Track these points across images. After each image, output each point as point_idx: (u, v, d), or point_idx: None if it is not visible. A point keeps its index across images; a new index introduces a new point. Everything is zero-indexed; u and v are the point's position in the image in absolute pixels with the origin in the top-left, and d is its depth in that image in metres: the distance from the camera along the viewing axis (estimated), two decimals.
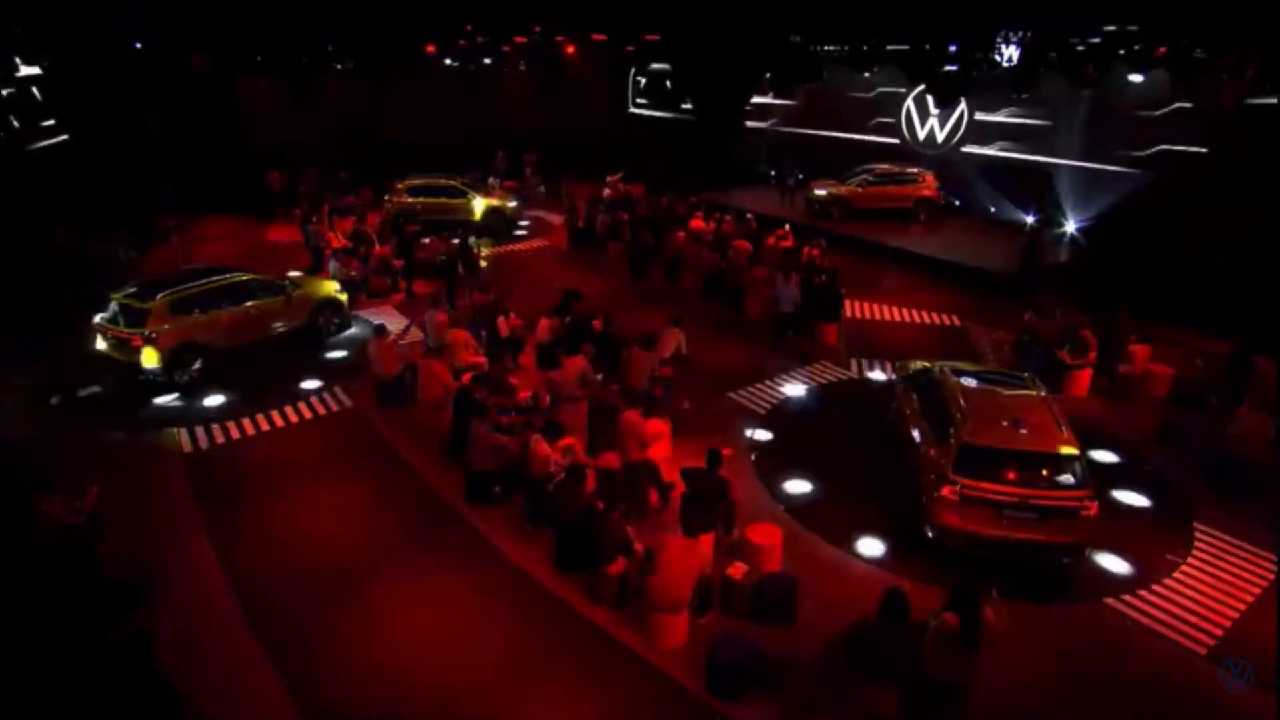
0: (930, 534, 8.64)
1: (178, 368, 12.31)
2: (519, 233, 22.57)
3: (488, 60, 23.87)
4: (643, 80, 32.83)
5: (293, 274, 15.11)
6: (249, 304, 13.19)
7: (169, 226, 21.47)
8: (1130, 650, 7.63)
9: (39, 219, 16.61)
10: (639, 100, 33.40)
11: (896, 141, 25.45)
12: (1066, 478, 8.25)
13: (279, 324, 13.57)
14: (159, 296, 12.39)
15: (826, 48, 18.38)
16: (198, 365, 12.52)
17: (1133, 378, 12.57)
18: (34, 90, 18.57)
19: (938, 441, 9.00)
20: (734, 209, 21.57)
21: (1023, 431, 8.57)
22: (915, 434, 9.75)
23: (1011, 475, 8.27)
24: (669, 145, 29.86)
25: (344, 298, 14.90)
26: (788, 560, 8.39)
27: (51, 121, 19.46)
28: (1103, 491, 9.14)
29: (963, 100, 23.43)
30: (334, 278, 15.87)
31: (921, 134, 25.09)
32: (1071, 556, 8.36)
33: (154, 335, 12.07)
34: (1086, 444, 10.58)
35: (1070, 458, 8.33)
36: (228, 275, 13.29)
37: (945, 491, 8.35)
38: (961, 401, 9.18)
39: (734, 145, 29.37)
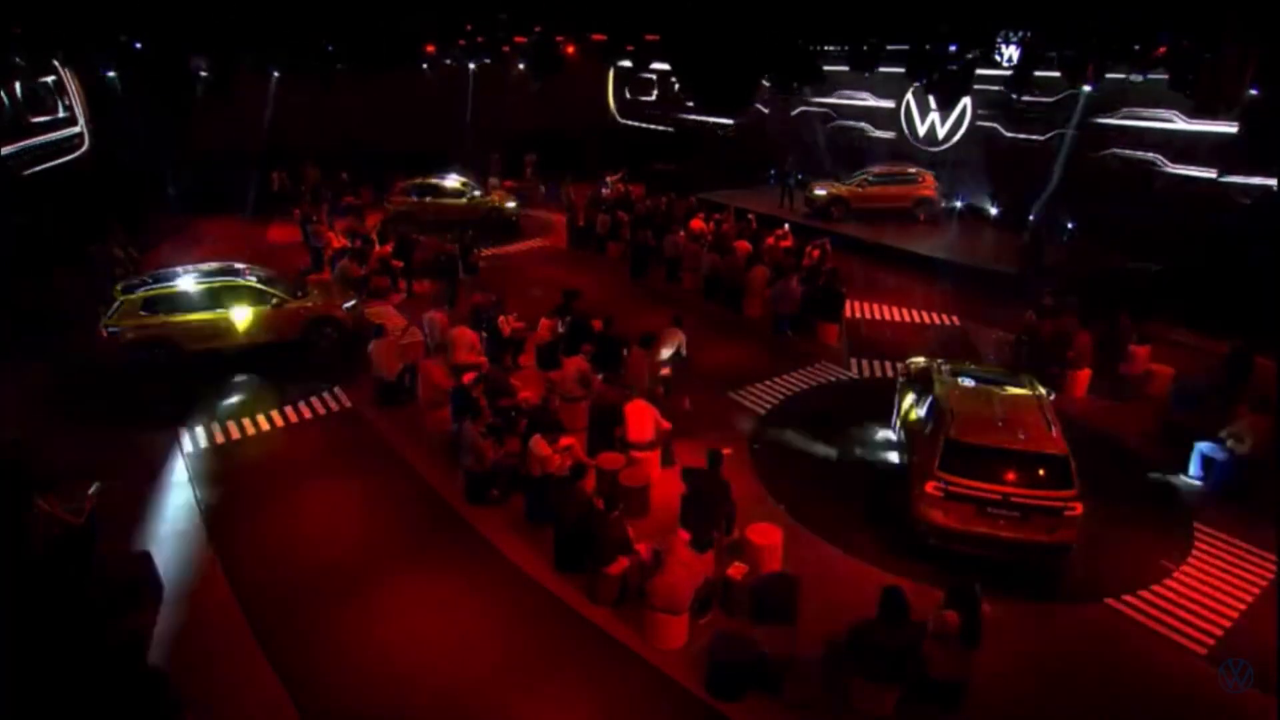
0: (915, 529, 8.68)
1: (144, 362, 12.42)
2: (519, 233, 22.56)
3: (488, 60, 23.87)
4: (626, 85, 33.05)
5: (311, 279, 14.92)
6: (228, 311, 12.96)
7: (169, 226, 21.51)
8: (1130, 650, 7.63)
9: (38, 218, 16.59)
10: (637, 99, 33.53)
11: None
12: (1051, 478, 8.24)
13: (261, 334, 13.27)
14: (137, 292, 12.47)
15: (826, 47, 18.35)
16: (167, 363, 12.57)
17: (1133, 378, 12.57)
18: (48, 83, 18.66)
19: (928, 439, 9.04)
20: (734, 209, 21.59)
21: (1009, 430, 8.59)
22: (909, 432, 9.79)
23: (995, 473, 8.29)
24: (662, 146, 29.94)
25: (352, 312, 14.19)
26: (788, 560, 8.40)
27: (63, 114, 19.53)
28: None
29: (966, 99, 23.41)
30: (337, 278, 15.84)
31: (921, 130, 25.12)
32: (1055, 556, 8.34)
33: (115, 329, 12.20)
34: (1091, 444, 10.68)
35: (1056, 458, 8.32)
36: (219, 278, 13.21)
37: (929, 487, 8.41)
38: (952, 400, 9.24)
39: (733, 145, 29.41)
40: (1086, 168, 19.76)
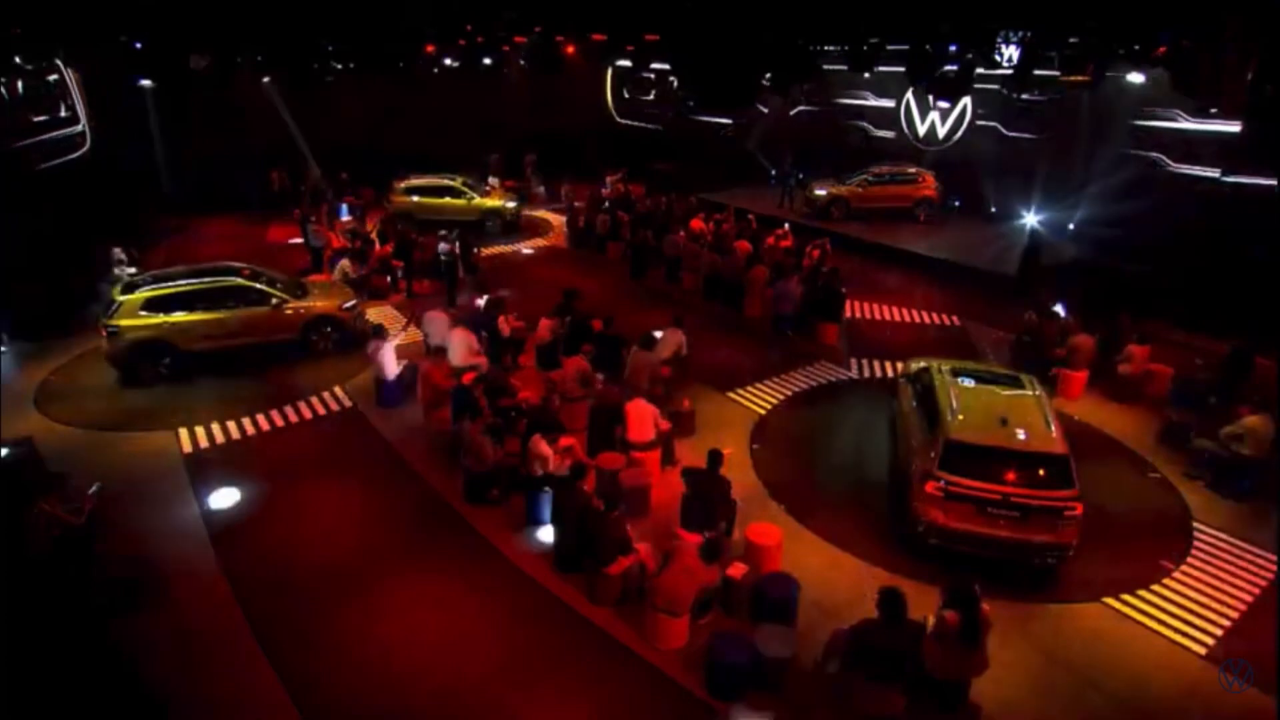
0: (915, 529, 8.67)
1: (142, 362, 12.43)
2: (519, 233, 22.55)
3: (488, 60, 23.85)
4: (625, 85, 33.03)
5: (309, 280, 14.95)
6: (227, 311, 12.91)
7: (169, 226, 21.51)
8: (1130, 650, 7.63)
9: (39, 217, 16.62)
10: (637, 98, 33.54)
11: None
12: (1051, 478, 8.22)
13: (260, 334, 13.22)
14: (137, 292, 12.50)
15: (825, 47, 18.35)
16: (166, 362, 12.58)
17: (1132, 378, 12.56)
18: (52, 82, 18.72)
19: (927, 439, 9.04)
20: (734, 209, 21.58)
21: (1009, 430, 8.58)
22: (909, 432, 9.80)
23: (995, 473, 8.27)
24: (662, 146, 29.94)
25: (350, 313, 14.06)
26: (788, 560, 8.40)
27: (65, 114, 19.59)
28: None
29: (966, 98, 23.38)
30: (338, 278, 15.82)
31: (921, 129, 25.12)
32: (1055, 557, 8.32)
33: (115, 329, 12.21)
34: (1090, 444, 10.68)
35: (1056, 458, 8.31)
36: (217, 278, 13.17)
37: (930, 487, 8.40)
38: (952, 400, 9.23)
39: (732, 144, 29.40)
40: (1088, 167, 19.79)
